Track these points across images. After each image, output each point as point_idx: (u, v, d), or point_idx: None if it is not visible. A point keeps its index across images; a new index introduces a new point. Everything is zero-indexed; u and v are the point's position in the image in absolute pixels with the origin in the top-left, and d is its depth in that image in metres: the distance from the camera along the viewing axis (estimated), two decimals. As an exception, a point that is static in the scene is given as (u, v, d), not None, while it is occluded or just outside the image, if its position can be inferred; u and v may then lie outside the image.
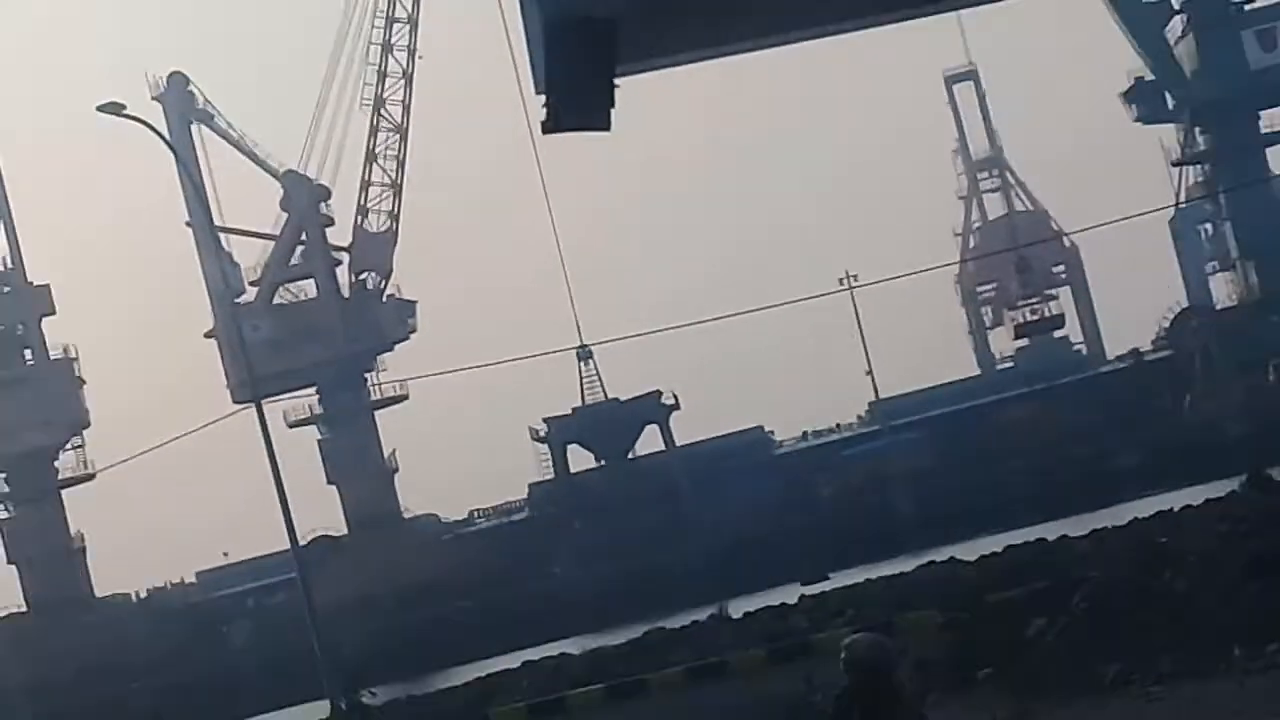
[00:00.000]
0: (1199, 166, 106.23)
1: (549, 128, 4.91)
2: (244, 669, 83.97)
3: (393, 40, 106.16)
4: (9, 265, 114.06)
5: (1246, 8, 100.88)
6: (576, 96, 3.33)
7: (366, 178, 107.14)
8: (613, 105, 3.26)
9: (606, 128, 3.78)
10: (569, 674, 56.76)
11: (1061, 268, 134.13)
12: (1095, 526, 57.47)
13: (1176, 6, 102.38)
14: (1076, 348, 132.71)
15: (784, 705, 35.01)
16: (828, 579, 67.79)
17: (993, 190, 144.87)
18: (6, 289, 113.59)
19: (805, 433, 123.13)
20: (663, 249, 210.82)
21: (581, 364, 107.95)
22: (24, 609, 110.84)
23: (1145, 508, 58.61)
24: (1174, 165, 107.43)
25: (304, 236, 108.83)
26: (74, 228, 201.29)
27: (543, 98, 5.60)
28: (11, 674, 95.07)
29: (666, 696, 47.06)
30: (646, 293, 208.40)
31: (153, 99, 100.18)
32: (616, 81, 4.73)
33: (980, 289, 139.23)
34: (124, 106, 68.37)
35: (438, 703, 58.32)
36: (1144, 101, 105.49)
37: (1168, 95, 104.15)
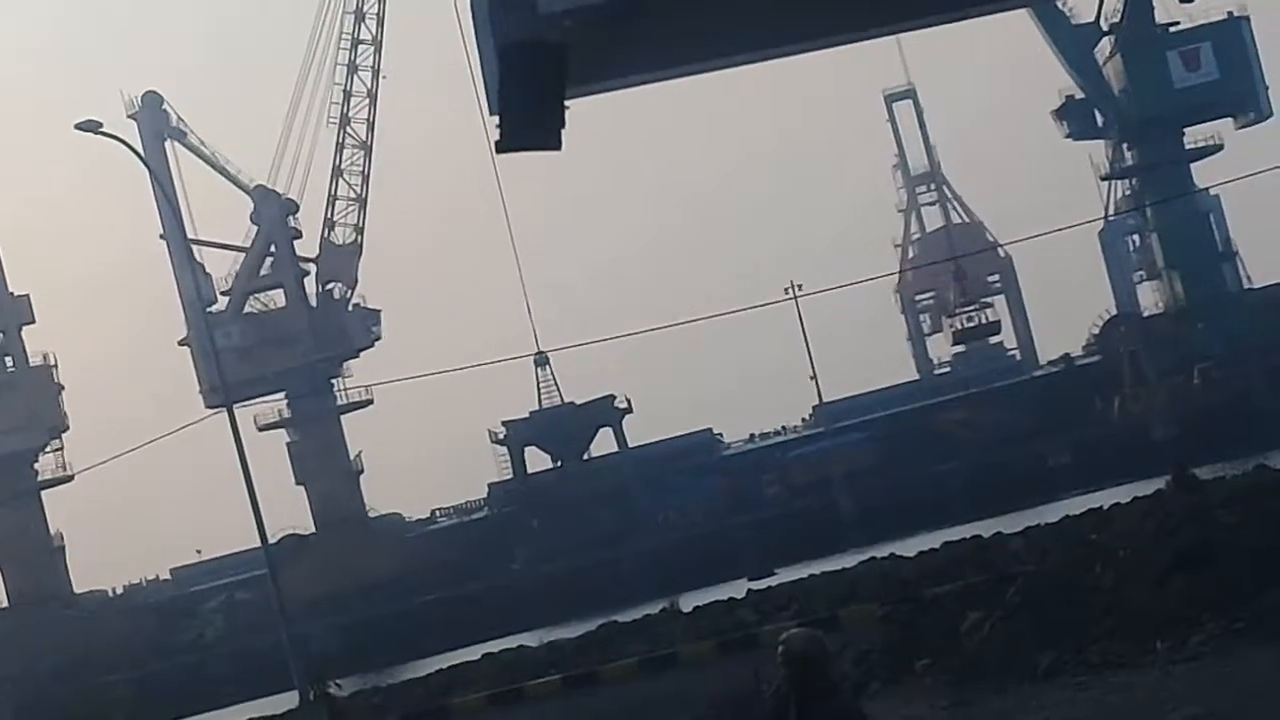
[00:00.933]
0: (1127, 181, 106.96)
1: (503, 147, 4.91)
2: (216, 662, 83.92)
3: (358, 61, 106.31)
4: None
5: (1171, 30, 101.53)
6: (528, 118, 3.35)
7: (333, 192, 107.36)
8: (563, 126, 3.29)
9: (558, 147, 3.80)
10: (527, 665, 56.92)
11: (996, 277, 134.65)
12: (1029, 524, 57.63)
13: (1105, 28, 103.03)
14: (1011, 353, 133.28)
15: (732, 696, 35.11)
16: (773, 574, 67.92)
17: (930, 204, 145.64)
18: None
19: (752, 435, 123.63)
20: (618, 260, 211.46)
21: (538, 369, 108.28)
22: (4, 604, 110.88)
23: (1076, 505, 58.80)
24: (1103, 180, 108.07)
25: (273, 248, 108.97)
26: (53, 240, 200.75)
27: (497, 118, 5.62)
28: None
29: (620, 686, 47.18)
30: (602, 301, 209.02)
31: (128, 117, 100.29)
32: (567, 103, 4.74)
33: (919, 297, 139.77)
34: (100, 124, 68.35)
35: (402, 694, 58.33)
36: (1074, 119, 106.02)
37: (1097, 113, 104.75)
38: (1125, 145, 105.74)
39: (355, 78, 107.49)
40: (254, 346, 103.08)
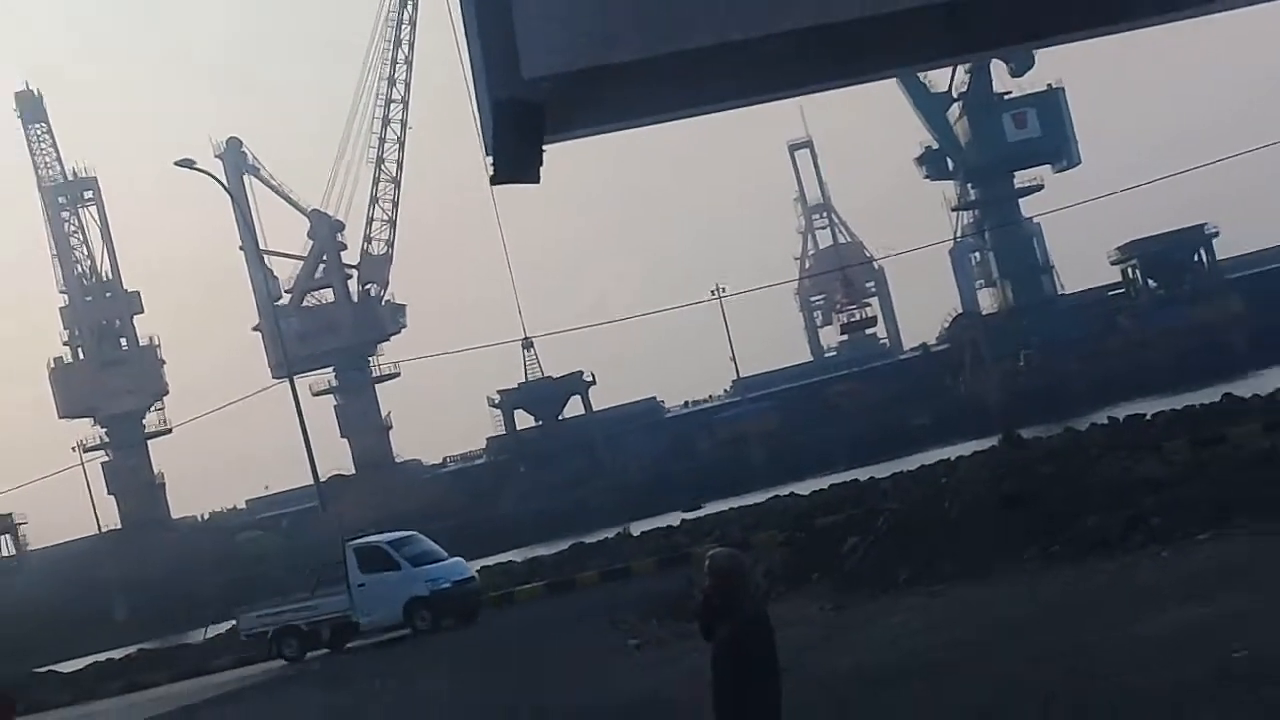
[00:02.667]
0: (970, 212, 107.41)
1: (495, 181, 4.82)
2: (279, 572, 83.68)
3: (390, 116, 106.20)
4: (110, 277, 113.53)
5: (1005, 97, 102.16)
6: (514, 159, 3.30)
7: (370, 215, 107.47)
8: (541, 165, 3.23)
9: (537, 181, 3.74)
10: (516, 575, 56.92)
11: (872, 284, 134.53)
12: (895, 470, 57.55)
13: (955, 96, 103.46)
14: (882, 341, 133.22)
15: (670, 598, 35.01)
16: (701, 508, 67.67)
17: (823, 227, 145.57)
18: (109, 294, 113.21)
19: (686, 402, 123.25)
20: (586, 269, 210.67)
21: (525, 351, 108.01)
22: (119, 526, 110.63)
23: (931, 457, 58.73)
24: (952, 210, 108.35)
25: (324, 257, 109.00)
26: (160, 249, 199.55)
27: (490, 158, 5.54)
28: (111, 574, 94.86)
29: (586, 590, 47.18)
30: (574, 298, 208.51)
31: (215, 156, 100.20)
32: (545, 148, 4.65)
33: (813, 298, 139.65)
34: (195, 162, 68.64)
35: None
36: (931, 164, 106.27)
37: (948, 160, 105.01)
38: (969, 185, 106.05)
39: (388, 128, 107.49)
40: (310, 332, 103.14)
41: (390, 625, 45.03)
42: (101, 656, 59.50)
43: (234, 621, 54.41)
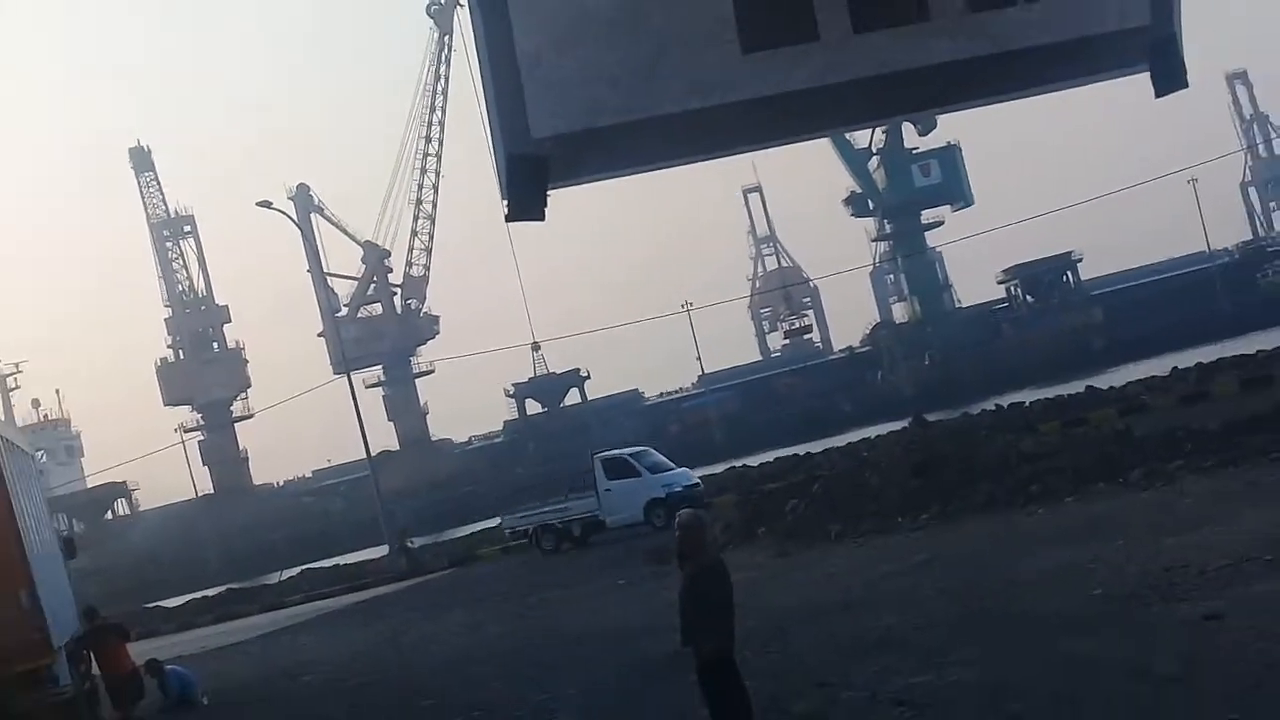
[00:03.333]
0: (886, 242, 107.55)
1: (509, 219, 4.83)
2: (341, 528, 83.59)
3: (427, 166, 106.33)
4: (204, 294, 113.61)
5: (914, 152, 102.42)
6: (524, 202, 3.29)
7: (411, 244, 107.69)
8: (546, 206, 3.23)
9: (542, 219, 3.75)
10: (515, 529, 57.02)
11: (808, 299, 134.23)
12: (827, 446, 57.53)
13: (874, 151, 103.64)
14: (817, 345, 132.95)
15: (649, 546, 35.02)
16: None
17: (769, 254, 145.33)
18: (203, 308, 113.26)
19: (661, 393, 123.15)
20: (582, 287, 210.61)
21: (534, 352, 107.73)
22: (212, 492, 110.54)
23: (855, 436, 58.81)
24: (872, 241, 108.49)
25: (375, 279, 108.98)
26: (244, 271, 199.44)
27: (506, 201, 5.53)
28: (205, 530, 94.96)
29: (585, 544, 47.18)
30: (573, 310, 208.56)
31: (288, 198, 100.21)
32: (549, 193, 4.68)
33: (762, 311, 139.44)
34: (272, 203, 68.79)
35: (449, 547, 58.08)
36: (856, 205, 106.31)
37: (869, 201, 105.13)
38: (885, 221, 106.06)
39: (425, 176, 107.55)
40: (363, 338, 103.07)
41: (632, 523, 44.33)
42: (197, 595, 59.60)
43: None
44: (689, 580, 14.00)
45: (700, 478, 50.24)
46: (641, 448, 51.73)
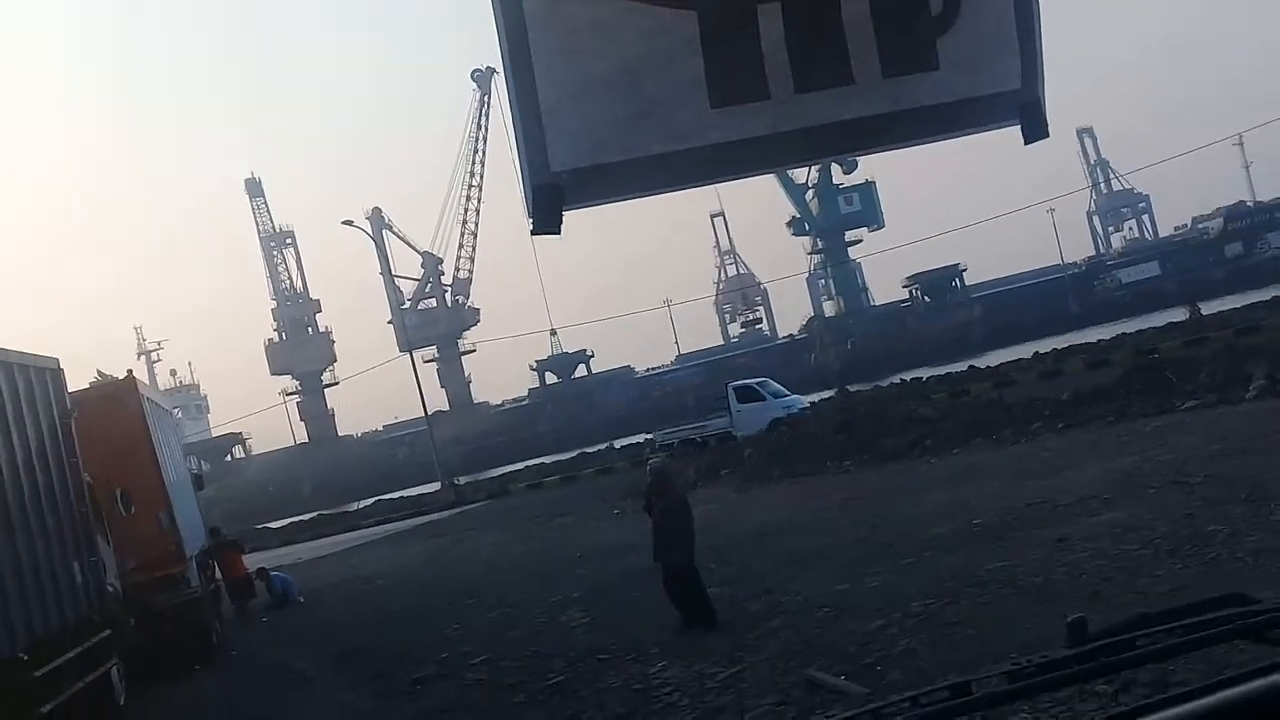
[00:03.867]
0: (819, 255, 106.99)
1: (533, 233, 4.81)
2: (404, 469, 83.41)
3: (470, 194, 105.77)
4: (301, 289, 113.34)
5: (840, 186, 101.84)
6: (544, 221, 3.27)
7: (459, 254, 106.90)
8: (561, 223, 3.22)
9: (559, 234, 3.70)
10: (544, 471, 56.79)
11: (759, 298, 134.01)
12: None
13: (809, 185, 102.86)
14: (766, 333, 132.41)
15: (637, 485, 34.98)
16: (658, 435, 67.27)
17: (730, 264, 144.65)
18: (300, 301, 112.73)
19: (648, 368, 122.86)
20: (590, 285, 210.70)
21: (551, 336, 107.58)
22: (307, 441, 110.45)
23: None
24: (808, 254, 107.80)
25: (430, 280, 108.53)
26: (331, 272, 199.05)
27: (530, 219, 5.51)
28: (301, 470, 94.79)
29: (587, 481, 47.02)
30: (583, 302, 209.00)
31: (365, 218, 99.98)
32: (565, 213, 4.66)
33: (725, 307, 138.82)
34: (353, 221, 69.10)
35: (487, 484, 58.03)
36: (796, 226, 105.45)
37: (806, 224, 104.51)
38: (818, 239, 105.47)
39: (469, 201, 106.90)
40: (421, 325, 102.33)
41: (758, 436, 40.67)
42: (295, 518, 59.64)
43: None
44: (659, 514, 14.01)
45: (673, 436, 50.25)
46: (762, 379, 50.67)
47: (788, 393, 47.84)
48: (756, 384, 48.69)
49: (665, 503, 14.24)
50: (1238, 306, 46.98)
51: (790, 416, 42.57)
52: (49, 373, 16.58)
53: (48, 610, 14.20)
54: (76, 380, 19.03)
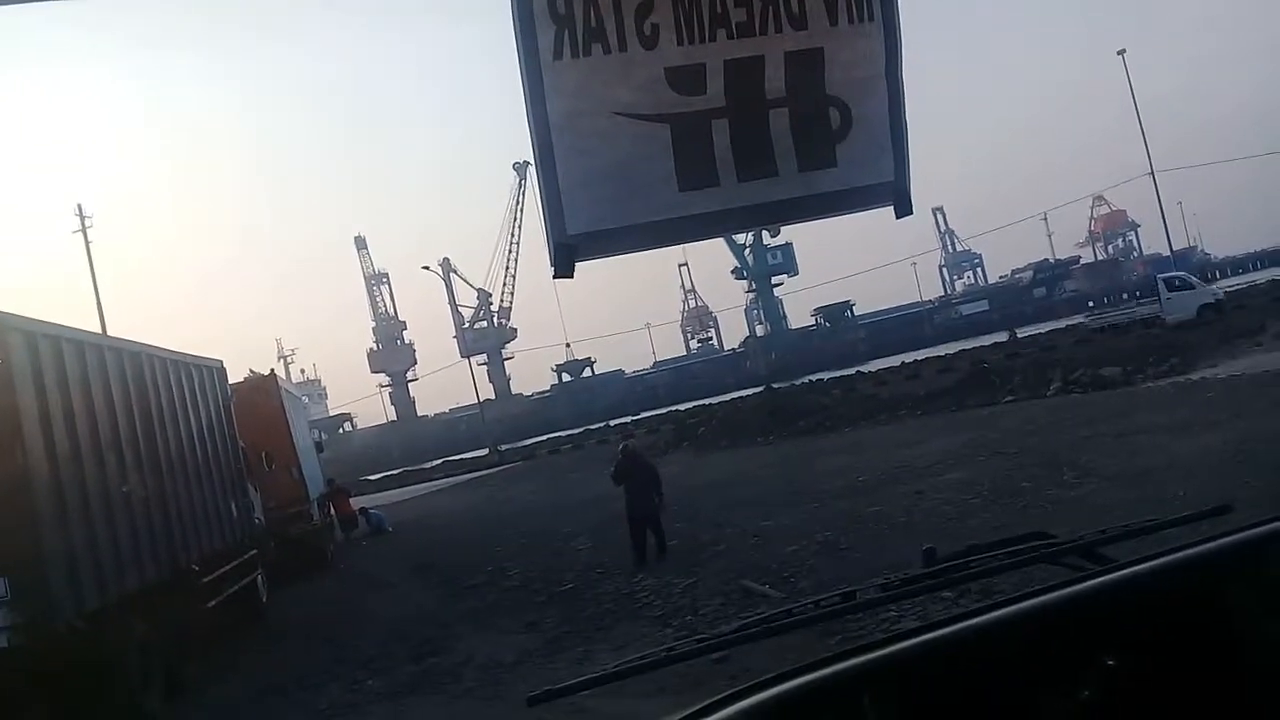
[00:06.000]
0: (753, 293, 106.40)
1: (554, 277, 4.86)
2: (462, 440, 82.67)
3: (511, 248, 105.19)
4: (393, 314, 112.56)
5: (767, 245, 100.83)
6: (561, 269, 3.26)
7: (502, 289, 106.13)
8: (573, 271, 3.21)
9: (571, 278, 3.72)
10: (560, 442, 56.32)
11: (712, 323, 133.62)
12: (719, 400, 57.38)
13: (746, 244, 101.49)
14: (716, 347, 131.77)
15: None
16: (639, 415, 67.01)
17: (692, 298, 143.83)
18: (391, 322, 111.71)
19: (634, 371, 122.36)
20: (594, 314, 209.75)
21: (565, 347, 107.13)
22: (396, 419, 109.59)
23: (734, 394, 58.82)
24: (746, 292, 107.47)
25: (482, 308, 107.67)
26: (414, 303, 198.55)
27: (552, 267, 5.51)
28: (390, 442, 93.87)
29: (590, 449, 46.63)
30: (589, 323, 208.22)
31: (438, 264, 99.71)
32: (578, 264, 4.70)
33: (687, 328, 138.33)
34: (429, 267, 68.99)
35: (523, 450, 57.76)
36: (738, 273, 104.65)
37: (744, 271, 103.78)
38: (752, 282, 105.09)
39: (510, 252, 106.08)
40: (476, 340, 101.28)
41: (1186, 320, 33.30)
42: (386, 473, 59.38)
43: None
44: (630, 485, 13.90)
45: (653, 416, 49.66)
46: (1182, 273, 41.01)
47: (1197, 282, 39.16)
48: (1183, 275, 39.61)
49: (635, 473, 14.11)
50: (1042, 331, 47.15)
51: (1220, 304, 35.38)
52: (215, 370, 16.58)
53: (213, 535, 14.19)
54: (235, 375, 18.99)
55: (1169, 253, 62.74)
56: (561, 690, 1.82)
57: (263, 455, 19.06)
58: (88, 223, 45.93)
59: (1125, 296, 56.62)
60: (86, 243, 45.53)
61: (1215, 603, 1.68)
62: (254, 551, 16.17)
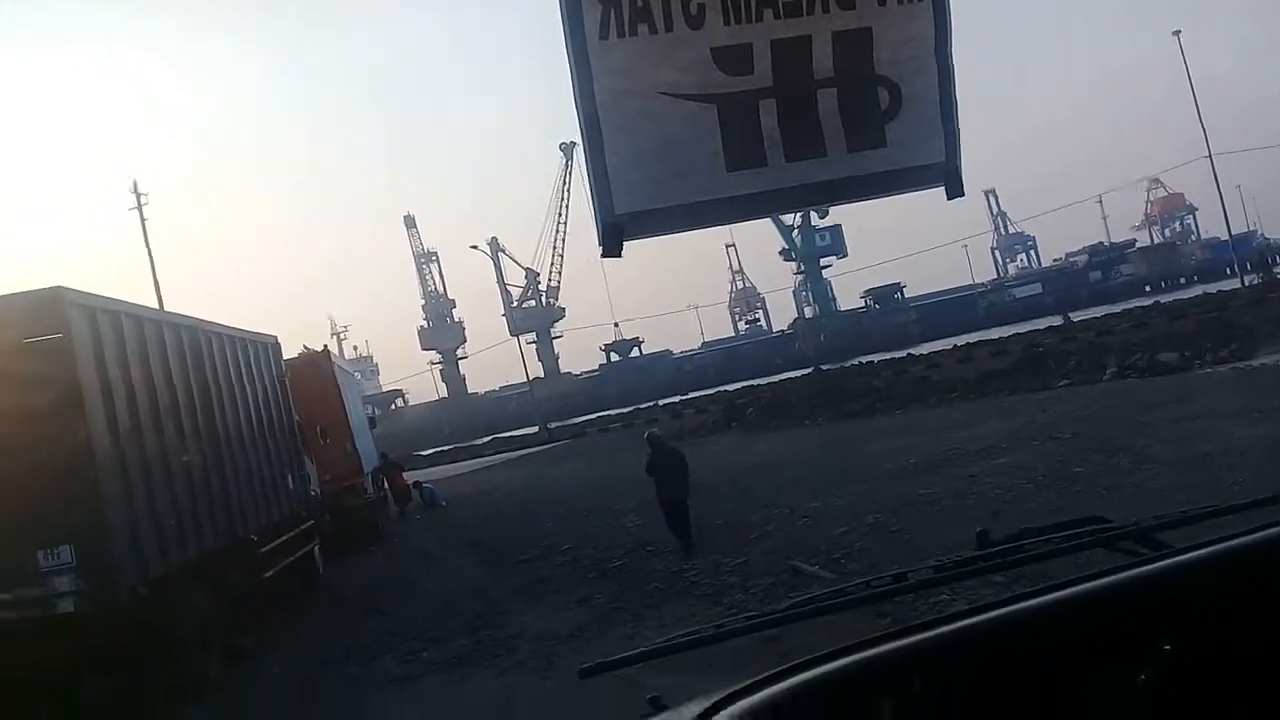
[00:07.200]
0: (801, 275, 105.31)
1: (602, 256, 4.86)
2: (512, 417, 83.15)
3: (559, 228, 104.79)
4: (442, 292, 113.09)
5: (816, 226, 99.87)
6: (610, 249, 3.20)
7: (550, 269, 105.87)
8: (622, 251, 3.15)
9: (620, 257, 3.68)
10: (610, 420, 56.30)
11: (760, 304, 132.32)
12: (769, 381, 57.20)
13: (795, 225, 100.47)
14: (764, 329, 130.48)
15: (671, 432, 34.79)
16: (687, 396, 66.85)
17: (739, 280, 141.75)
18: (441, 300, 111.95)
19: (682, 351, 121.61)
20: (641, 294, 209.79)
21: (614, 327, 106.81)
22: (447, 396, 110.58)
23: (783, 375, 58.61)
24: (794, 274, 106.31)
25: (531, 287, 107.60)
26: (464, 281, 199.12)
27: (600, 247, 5.51)
28: (444, 415, 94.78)
29: (641, 426, 46.46)
30: (637, 302, 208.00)
31: (486, 244, 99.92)
32: (625, 243, 4.68)
33: (735, 309, 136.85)
34: (478, 246, 69.53)
35: (571, 428, 57.87)
36: (785, 255, 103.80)
37: (792, 253, 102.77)
38: (800, 263, 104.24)
39: (558, 232, 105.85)
40: (525, 319, 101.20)
41: None
42: (439, 449, 59.95)
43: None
44: (659, 473, 13.82)
45: (703, 396, 49.35)
46: None
47: None
48: None
49: (661, 466, 13.95)
50: (1098, 316, 46.31)
51: None
52: (271, 346, 16.82)
53: (270, 507, 14.43)
54: (290, 350, 19.27)
55: (1227, 236, 61.13)
56: (614, 663, 1.83)
57: (318, 429, 19.31)
58: (144, 200, 46.75)
59: (1183, 281, 55.09)
60: (143, 220, 46.38)
61: (1271, 590, 1.65)
62: (310, 523, 16.42)
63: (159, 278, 46.12)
